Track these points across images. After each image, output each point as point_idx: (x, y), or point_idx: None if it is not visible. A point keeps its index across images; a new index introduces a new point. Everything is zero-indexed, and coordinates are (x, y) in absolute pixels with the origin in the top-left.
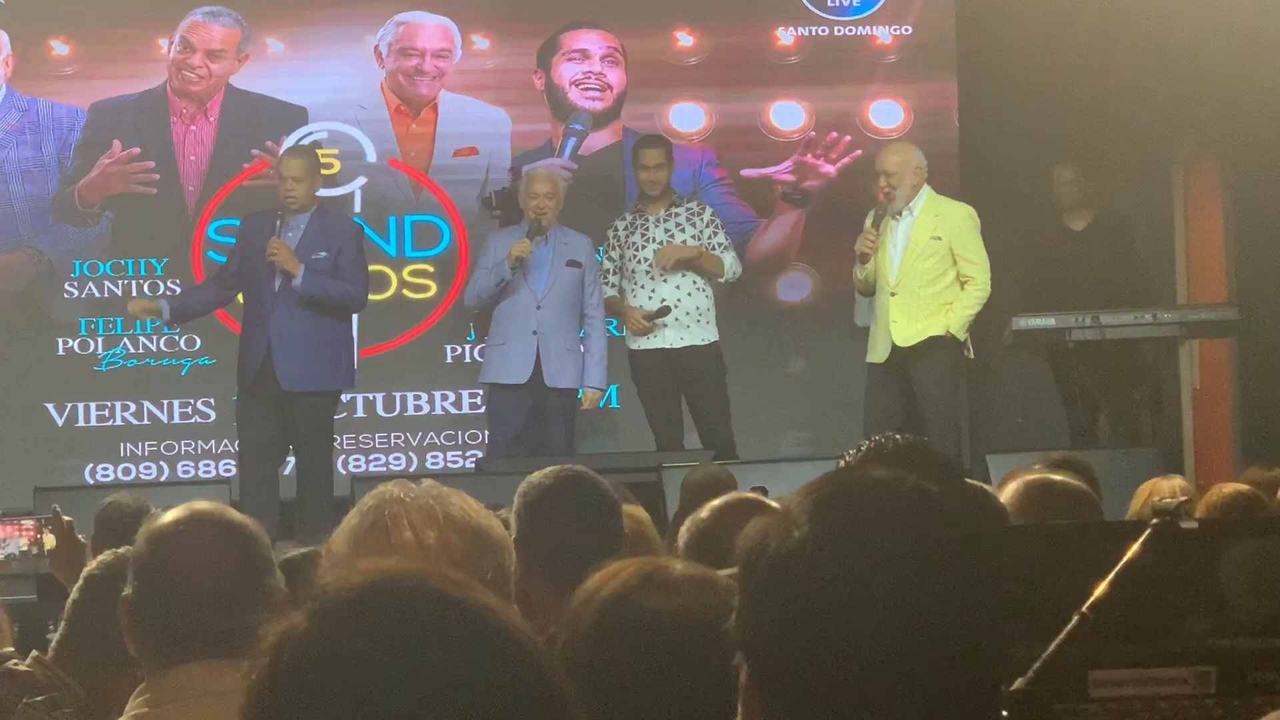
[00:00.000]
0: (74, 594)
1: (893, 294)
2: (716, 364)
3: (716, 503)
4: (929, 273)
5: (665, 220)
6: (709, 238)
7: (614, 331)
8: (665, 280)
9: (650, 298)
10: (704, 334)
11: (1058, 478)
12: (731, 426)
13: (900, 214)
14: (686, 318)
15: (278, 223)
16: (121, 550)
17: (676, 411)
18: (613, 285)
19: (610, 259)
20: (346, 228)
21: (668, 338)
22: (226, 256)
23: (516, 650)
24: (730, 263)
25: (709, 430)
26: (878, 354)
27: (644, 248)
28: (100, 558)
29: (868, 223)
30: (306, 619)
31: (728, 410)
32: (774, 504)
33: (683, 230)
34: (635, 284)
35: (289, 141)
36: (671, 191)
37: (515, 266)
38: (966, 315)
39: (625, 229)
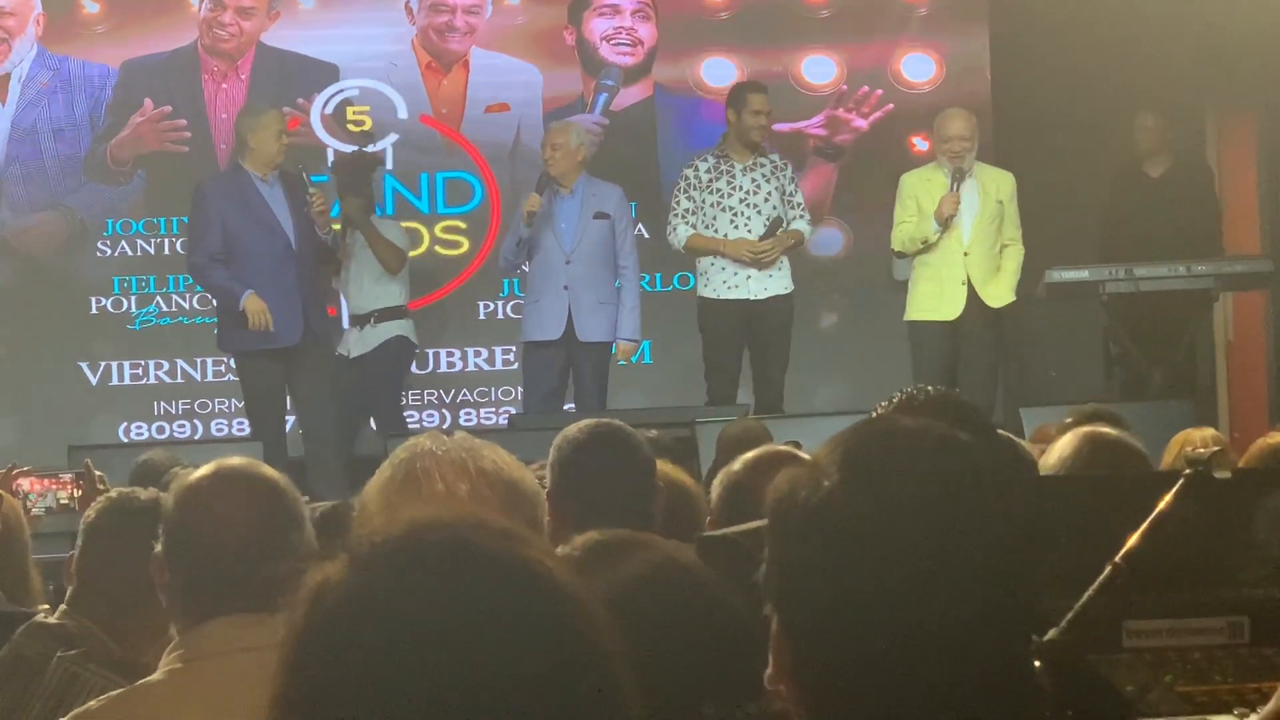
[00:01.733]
0: (78, 548)
1: (966, 254)
2: (790, 315)
3: (749, 455)
4: (994, 235)
5: (752, 170)
6: (790, 194)
7: (646, 286)
8: (750, 232)
9: None
10: (785, 282)
11: (1112, 432)
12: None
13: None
14: (770, 265)
15: (258, 181)
16: (113, 494)
17: (738, 366)
18: (690, 225)
19: (689, 199)
20: (301, 182)
21: (751, 289)
22: (200, 230)
23: (559, 599)
24: (807, 231)
25: (767, 384)
26: (945, 312)
27: (730, 195)
28: (95, 504)
29: (947, 183)
30: (346, 568)
31: (787, 364)
32: (806, 457)
33: (768, 181)
34: (717, 233)
35: (320, 99)
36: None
37: (529, 222)
38: (1017, 278)
39: (708, 172)
